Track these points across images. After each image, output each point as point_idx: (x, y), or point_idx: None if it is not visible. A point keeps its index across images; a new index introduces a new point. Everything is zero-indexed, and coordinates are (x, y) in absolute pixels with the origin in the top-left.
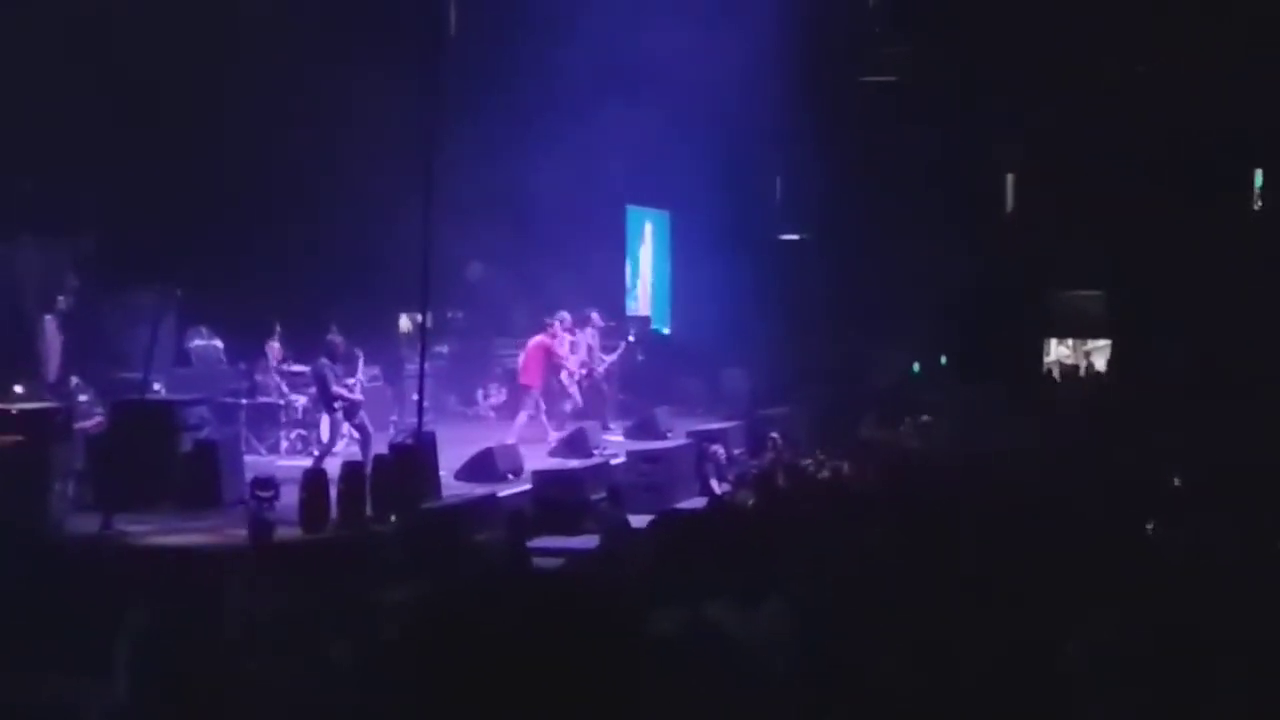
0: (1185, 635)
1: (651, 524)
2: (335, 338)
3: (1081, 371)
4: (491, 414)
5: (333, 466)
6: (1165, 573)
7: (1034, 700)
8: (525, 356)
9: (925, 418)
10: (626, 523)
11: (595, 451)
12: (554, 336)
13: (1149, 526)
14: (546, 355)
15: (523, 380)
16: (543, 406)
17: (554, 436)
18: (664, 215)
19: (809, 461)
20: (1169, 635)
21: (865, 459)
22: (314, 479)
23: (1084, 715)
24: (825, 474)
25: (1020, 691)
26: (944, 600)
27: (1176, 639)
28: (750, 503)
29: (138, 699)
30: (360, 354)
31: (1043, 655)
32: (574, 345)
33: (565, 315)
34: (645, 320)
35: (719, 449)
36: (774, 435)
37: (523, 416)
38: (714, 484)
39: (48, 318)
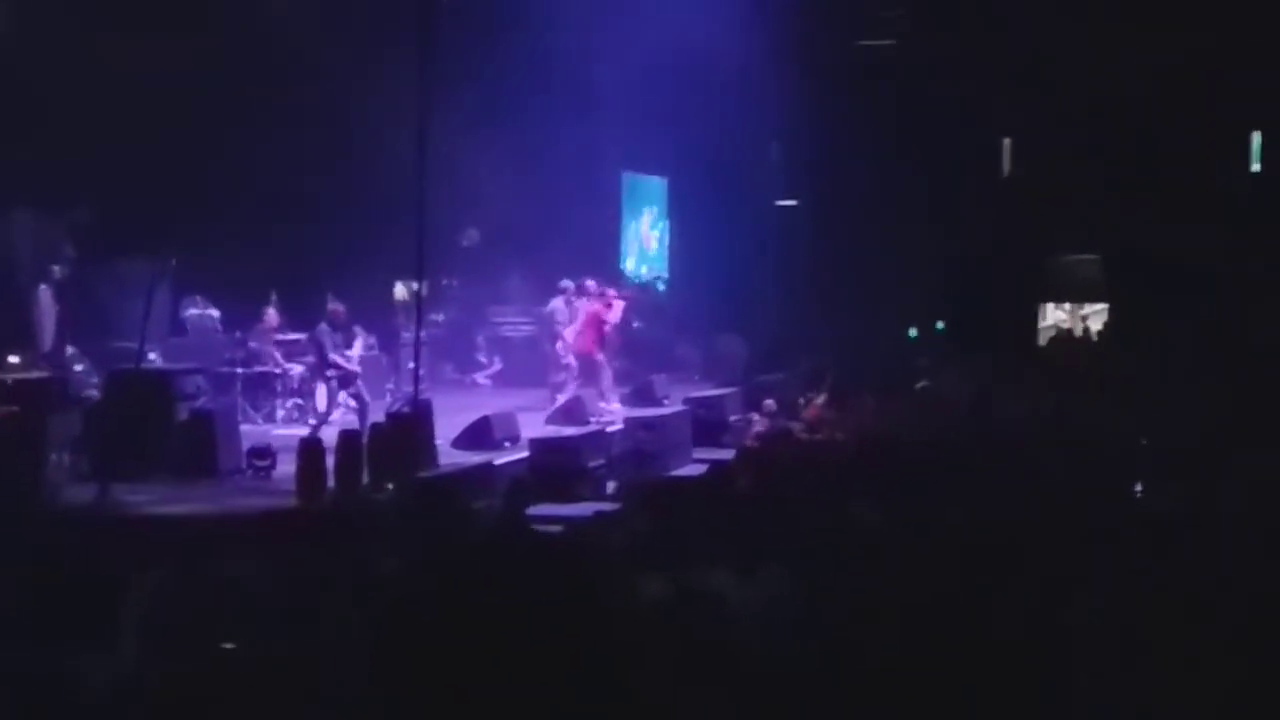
0: (1179, 598)
1: (647, 491)
2: (336, 305)
3: (1078, 334)
4: (488, 383)
5: (329, 436)
6: (1156, 534)
7: (1031, 663)
8: (581, 325)
9: (922, 383)
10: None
11: (592, 419)
12: (608, 305)
13: (1137, 488)
14: (599, 324)
15: (579, 350)
16: (606, 376)
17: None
18: (660, 181)
19: (818, 419)
20: (1163, 598)
21: (861, 425)
22: (310, 448)
23: (1081, 679)
24: (823, 437)
25: (1017, 655)
26: (939, 565)
27: (1170, 602)
28: (745, 471)
29: (143, 664)
30: (359, 329)
31: (1039, 618)
32: (572, 313)
33: (569, 283)
34: (642, 287)
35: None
36: (770, 401)
37: (604, 382)
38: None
39: (43, 288)
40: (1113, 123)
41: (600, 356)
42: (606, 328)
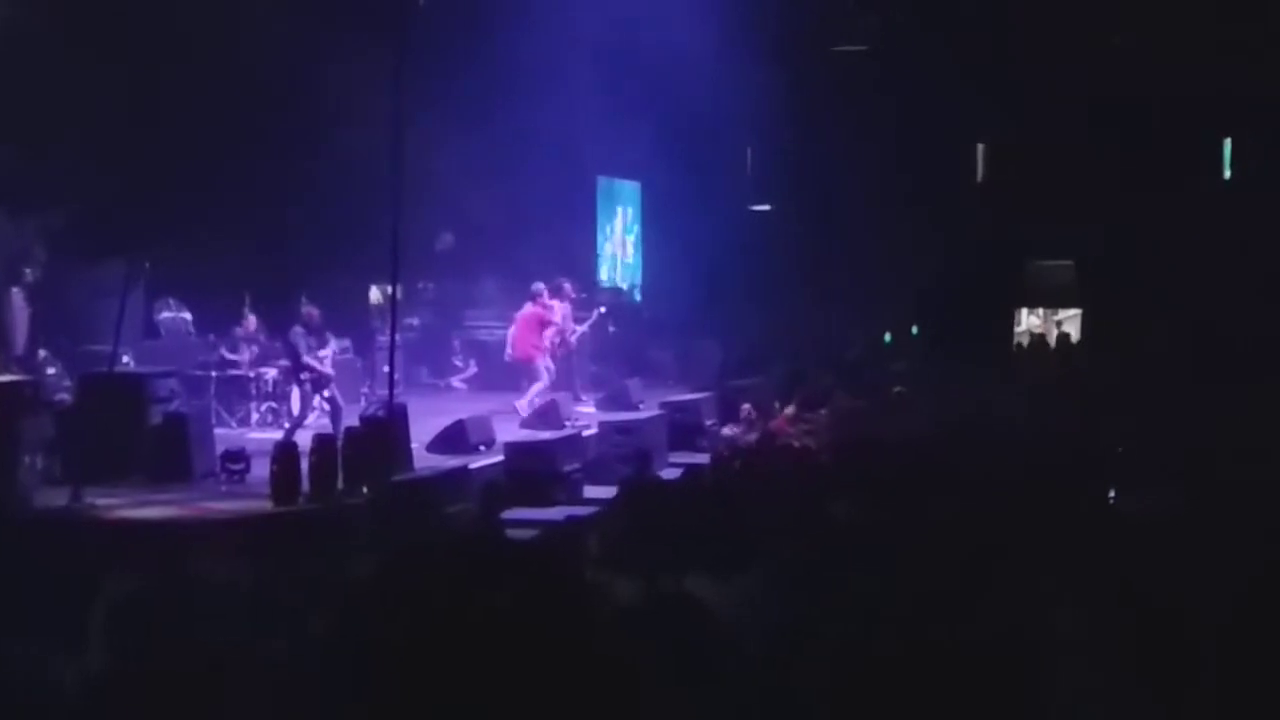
0: (1153, 601)
1: (623, 494)
2: (310, 308)
3: (1051, 341)
4: (463, 386)
5: (303, 439)
6: (1129, 540)
7: (1010, 665)
8: (517, 329)
9: (897, 389)
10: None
11: (567, 423)
12: (546, 306)
13: (1110, 494)
14: (540, 325)
15: (518, 355)
16: (549, 376)
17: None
18: (634, 186)
19: (784, 430)
20: (1141, 604)
21: (837, 430)
22: (285, 451)
23: (1062, 683)
24: (798, 444)
25: (996, 660)
26: (915, 570)
27: (1149, 609)
28: (723, 473)
29: (114, 668)
30: (330, 335)
31: (1017, 623)
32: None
33: (541, 286)
34: (616, 291)
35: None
36: (747, 406)
37: (537, 387)
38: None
39: (14, 290)
40: (1086, 128)
41: (540, 360)
42: (548, 330)
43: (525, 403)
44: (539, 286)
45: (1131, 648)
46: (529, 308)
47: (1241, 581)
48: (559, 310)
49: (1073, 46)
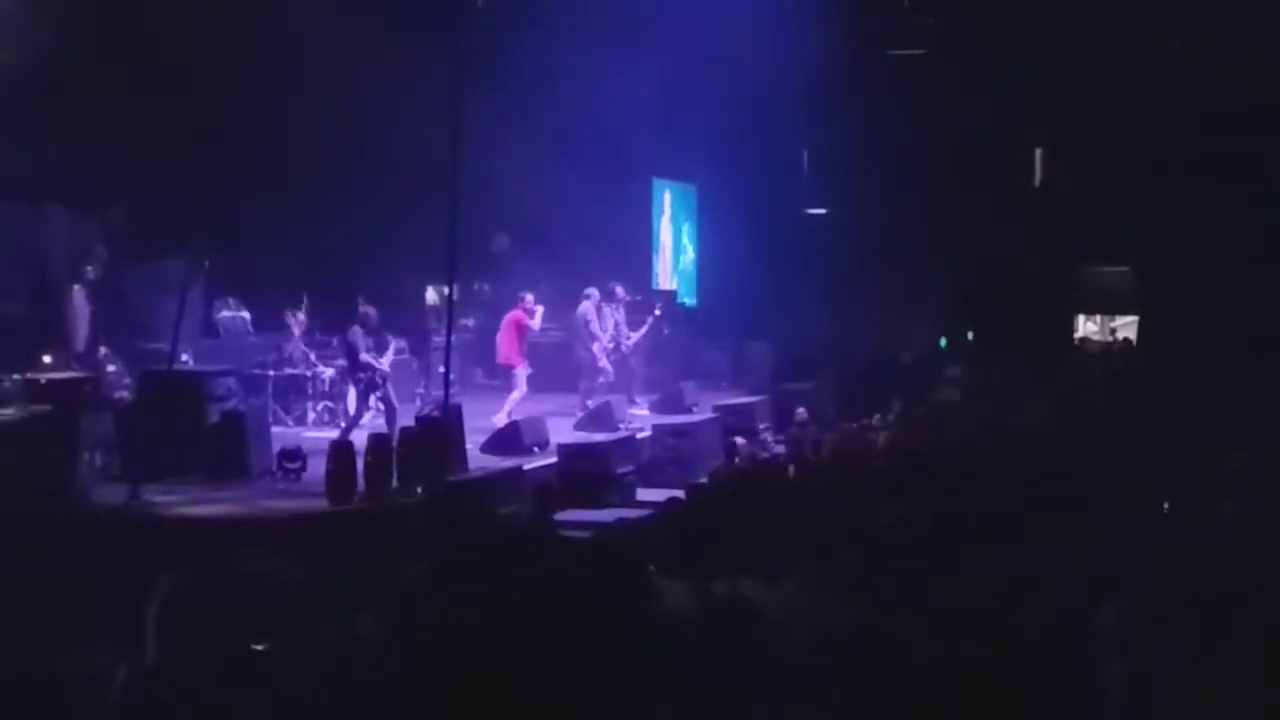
0: (1208, 604)
1: (675, 498)
2: (367, 308)
3: (1107, 346)
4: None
5: (359, 439)
6: (1186, 552)
7: (1056, 671)
8: (500, 334)
9: (952, 394)
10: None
11: (621, 425)
12: (528, 311)
13: (1165, 505)
14: (519, 331)
15: (500, 361)
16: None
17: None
18: (690, 188)
19: (851, 429)
20: (1192, 605)
21: (892, 433)
22: (341, 451)
23: (1107, 685)
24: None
25: (1042, 663)
26: (967, 575)
27: (1199, 608)
28: (779, 475)
29: (167, 663)
30: (391, 339)
31: (1066, 627)
32: (603, 319)
33: (594, 290)
34: (671, 294)
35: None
36: (801, 410)
37: (513, 397)
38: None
39: (76, 288)
40: (1144, 135)
41: (520, 366)
42: (528, 334)
43: (504, 415)
44: (593, 290)
45: (1185, 652)
46: (512, 312)
47: None
48: (611, 315)
49: (1132, 51)
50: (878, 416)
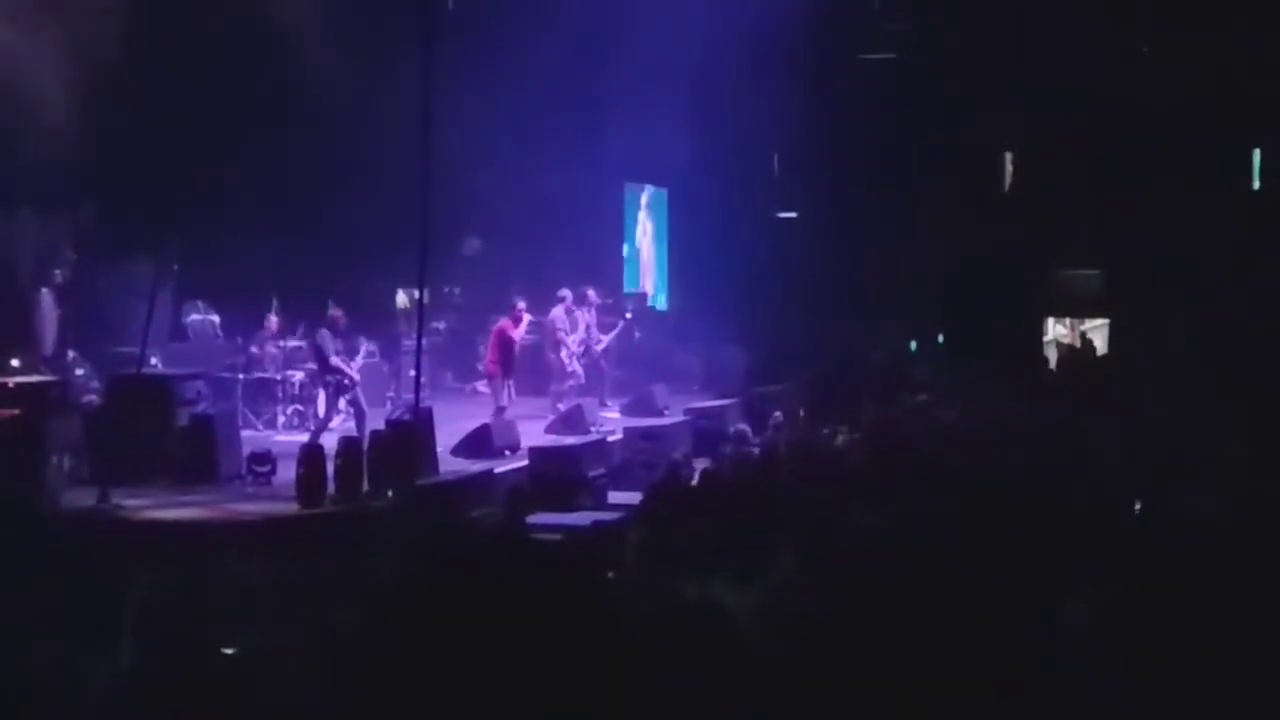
0: (1176, 606)
1: (646, 499)
2: (336, 311)
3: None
4: (488, 391)
5: (330, 442)
6: (1155, 549)
7: (1028, 673)
8: (489, 342)
9: (922, 396)
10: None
11: (592, 428)
12: (516, 319)
13: (1136, 506)
14: (501, 341)
15: (484, 368)
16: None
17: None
18: (661, 192)
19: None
20: (1160, 605)
21: (861, 437)
22: (311, 454)
23: (1078, 687)
24: (839, 442)
25: (1015, 664)
26: (936, 575)
27: (1168, 610)
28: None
29: (143, 663)
30: (363, 340)
31: (1037, 628)
32: (573, 322)
33: (567, 292)
34: (642, 297)
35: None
36: (777, 413)
37: (502, 399)
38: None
39: (44, 291)
40: (1114, 138)
41: (497, 377)
42: (514, 346)
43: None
44: (565, 292)
45: (1148, 650)
46: (502, 321)
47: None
48: (583, 318)
49: (1102, 55)
50: (848, 421)
